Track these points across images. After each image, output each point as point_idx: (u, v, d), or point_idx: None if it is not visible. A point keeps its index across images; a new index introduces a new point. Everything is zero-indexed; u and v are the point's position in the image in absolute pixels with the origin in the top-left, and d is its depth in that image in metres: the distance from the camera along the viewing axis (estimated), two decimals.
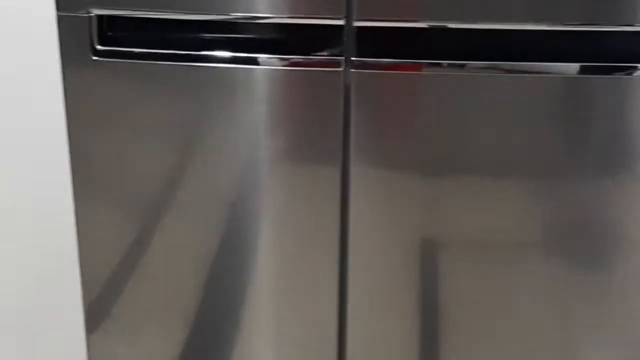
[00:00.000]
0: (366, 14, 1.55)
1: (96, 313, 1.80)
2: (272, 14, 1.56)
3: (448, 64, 1.58)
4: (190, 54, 1.61)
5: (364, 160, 1.64)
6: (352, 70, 1.59)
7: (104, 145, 1.68)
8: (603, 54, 1.59)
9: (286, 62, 1.60)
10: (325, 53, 1.59)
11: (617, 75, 1.58)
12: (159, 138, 1.68)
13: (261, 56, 1.61)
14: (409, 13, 1.55)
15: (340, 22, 1.55)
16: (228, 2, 1.57)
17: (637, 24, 1.54)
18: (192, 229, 1.73)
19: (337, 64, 1.59)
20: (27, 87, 1.71)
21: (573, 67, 1.58)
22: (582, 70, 1.58)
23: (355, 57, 1.58)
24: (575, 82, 1.59)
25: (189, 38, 1.62)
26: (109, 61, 1.61)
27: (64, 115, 1.65)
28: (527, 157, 1.64)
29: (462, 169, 1.66)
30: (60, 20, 1.59)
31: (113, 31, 1.62)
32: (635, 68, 1.58)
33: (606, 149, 1.63)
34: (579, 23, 1.55)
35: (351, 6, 1.54)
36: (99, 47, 1.61)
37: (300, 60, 1.60)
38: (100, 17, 1.59)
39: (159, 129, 1.68)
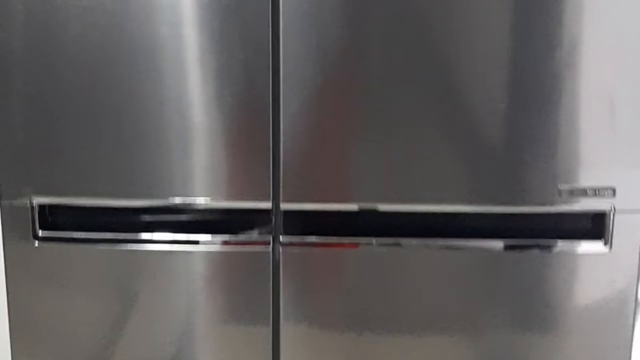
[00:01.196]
0: (291, 198, 1.66)
1: None
2: (205, 198, 1.67)
3: (376, 241, 1.70)
4: (127, 237, 1.71)
5: (294, 325, 1.74)
6: (281, 248, 1.69)
7: (44, 317, 1.75)
8: (525, 232, 1.72)
9: (219, 242, 1.70)
10: (255, 233, 1.69)
11: (537, 251, 1.71)
12: (99, 309, 1.76)
13: (194, 237, 1.71)
14: (335, 196, 1.67)
15: (268, 206, 1.66)
16: (161, 189, 1.67)
17: (554, 205, 1.67)
18: None
19: (266, 242, 1.69)
20: None
21: (498, 244, 1.71)
22: (506, 247, 1.71)
23: (283, 235, 1.69)
24: (500, 256, 1.72)
25: (126, 222, 1.72)
26: (50, 245, 1.69)
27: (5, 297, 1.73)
28: (454, 322, 1.76)
29: (390, 332, 1.76)
30: (3, 208, 1.67)
31: (54, 217, 1.70)
32: (553, 245, 1.71)
33: (525, 314, 1.75)
34: (501, 204, 1.68)
35: (278, 191, 1.65)
36: (40, 232, 1.69)
37: (232, 240, 1.70)
38: (41, 206, 1.68)
39: (99, 304, 1.76)
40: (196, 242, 1.70)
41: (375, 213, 1.68)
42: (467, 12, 1.60)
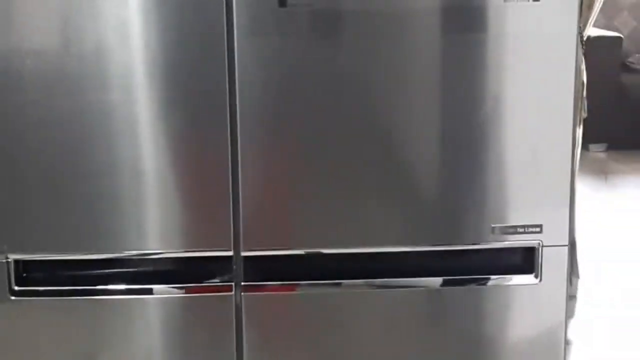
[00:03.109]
0: (251, 245, 1.80)
1: None
2: (165, 249, 1.81)
3: (324, 283, 1.85)
4: (94, 289, 1.83)
5: None
6: (243, 293, 1.83)
7: None
8: (461, 269, 1.88)
9: (181, 291, 1.83)
10: (217, 280, 1.83)
11: (473, 286, 1.88)
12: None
13: (156, 287, 1.85)
14: (286, 243, 1.82)
15: (229, 253, 1.80)
16: (125, 242, 1.81)
17: (488, 243, 1.84)
18: None
19: (228, 288, 1.82)
20: None
21: (436, 281, 1.87)
22: (444, 283, 1.87)
23: (244, 281, 1.83)
24: (438, 293, 1.88)
25: (93, 275, 1.84)
26: (25, 300, 1.80)
27: None
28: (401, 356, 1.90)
29: None
30: None
31: (27, 273, 1.82)
32: (488, 279, 1.87)
33: (466, 345, 1.90)
34: (438, 244, 1.85)
35: (239, 239, 1.79)
36: (16, 287, 1.80)
37: (194, 287, 1.83)
38: (16, 261, 1.80)
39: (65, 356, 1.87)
40: (153, 293, 1.83)
41: (320, 256, 1.82)
42: (402, 72, 1.79)
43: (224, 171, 1.77)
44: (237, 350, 1.85)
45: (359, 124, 1.80)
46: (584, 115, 3.45)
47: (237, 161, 1.76)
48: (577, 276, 3.41)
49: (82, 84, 1.75)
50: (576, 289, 3.45)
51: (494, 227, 1.83)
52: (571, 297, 3.43)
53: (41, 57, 1.75)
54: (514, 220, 1.83)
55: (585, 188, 4.86)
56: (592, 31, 5.20)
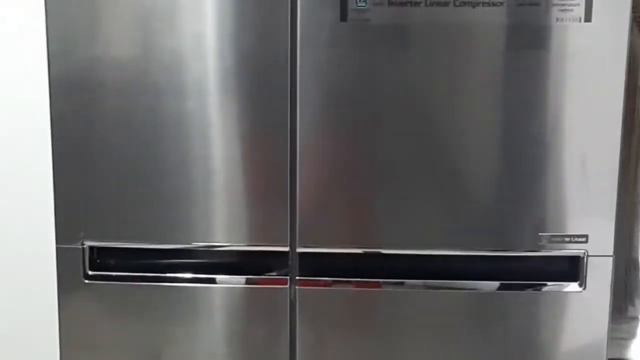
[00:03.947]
0: (307, 242, 1.92)
1: None
2: (229, 242, 1.94)
3: (383, 282, 1.96)
4: (162, 276, 1.98)
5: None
6: (297, 287, 1.95)
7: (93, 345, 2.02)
8: (519, 273, 1.97)
9: (242, 282, 1.96)
10: (274, 273, 1.96)
11: (529, 291, 1.96)
12: (140, 348, 2.02)
13: (220, 276, 1.98)
14: (340, 241, 1.93)
15: (286, 249, 1.92)
16: (193, 234, 1.95)
17: (541, 251, 1.93)
18: None
19: (284, 281, 1.95)
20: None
21: (494, 285, 1.96)
22: (501, 287, 1.96)
23: (299, 276, 1.95)
24: (495, 297, 1.97)
25: (162, 264, 1.99)
26: (97, 283, 1.96)
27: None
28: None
29: None
30: (59, 251, 1.95)
31: (100, 259, 1.98)
32: (544, 285, 1.96)
33: (521, 352, 1.99)
34: (490, 250, 1.94)
35: (295, 236, 1.91)
36: (90, 272, 1.96)
37: (254, 279, 1.96)
38: (91, 248, 1.95)
39: (140, 342, 2.02)
40: (217, 282, 1.96)
41: (379, 256, 1.93)
42: (461, 83, 1.88)
43: (284, 173, 1.89)
44: (290, 340, 1.96)
45: (417, 130, 1.89)
46: None
47: (295, 163, 1.88)
48: None
49: (160, 91, 1.88)
50: (638, 309, 3.48)
51: (542, 236, 1.90)
52: (633, 318, 3.47)
53: (122, 66, 1.89)
54: (561, 230, 1.90)
55: None
56: None
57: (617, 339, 3.35)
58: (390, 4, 1.80)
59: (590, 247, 1.91)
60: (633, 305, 3.50)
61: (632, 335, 3.38)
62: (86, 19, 1.88)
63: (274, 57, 1.85)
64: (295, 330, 1.96)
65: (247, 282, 1.96)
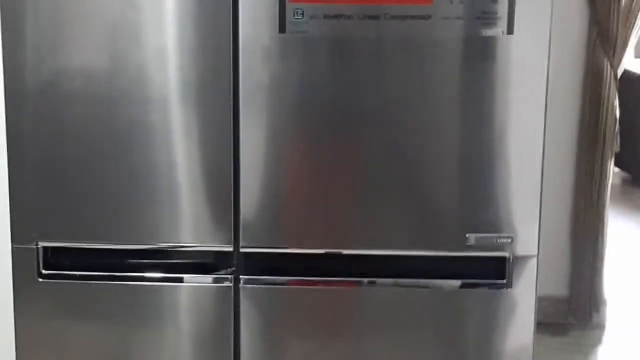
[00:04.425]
0: (250, 242, 2.04)
1: None
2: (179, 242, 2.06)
3: (336, 280, 2.08)
4: (118, 275, 2.09)
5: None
6: (241, 286, 2.06)
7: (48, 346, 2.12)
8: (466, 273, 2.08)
9: (192, 280, 2.07)
10: (220, 273, 2.07)
11: (475, 289, 2.08)
12: (94, 346, 2.12)
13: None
14: (283, 242, 2.06)
15: (230, 249, 2.04)
16: (142, 234, 2.06)
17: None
18: None
19: (228, 281, 2.06)
20: None
21: (455, 283, 2.07)
22: (450, 286, 2.07)
23: (244, 275, 2.06)
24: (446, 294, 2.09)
25: (114, 264, 2.10)
26: (52, 282, 2.07)
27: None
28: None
29: None
30: (15, 251, 2.06)
31: (56, 260, 2.09)
32: (489, 284, 2.07)
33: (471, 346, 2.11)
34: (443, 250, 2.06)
35: (238, 236, 2.03)
36: (44, 271, 2.07)
37: (200, 278, 2.07)
38: (45, 248, 2.06)
39: (94, 340, 2.12)
40: (169, 280, 2.07)
41: (328, 256, 2.06)
42: (397, 93, 2.01)
43: (228, 177, 2.01)
44: (235, 337, 2.08)
45: (361, 135, 2.03)
46: (617, 149, 3.62)
47: (238, 168, 2.00)
48: (605, 305, 3.56)
49: (124, 99, 2.01)
50: (604, 317, 3.60)
51: (469, 238, 2.02)
52: (598, 326, 3.59)
53: (88, 76, 2.02)
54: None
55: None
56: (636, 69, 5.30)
57: (583, 345, 3.48)
58: (325, 17, 1.93)
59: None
60: (598, 312, 3.63)
61: (598, 342, 3.50)
62: (52, 33, 2.00)
63: (222, 69, 1.98)
64: (239, 327, 2.06)
65: (191, 281, 2.06)
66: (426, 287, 2.07)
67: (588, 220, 3.60)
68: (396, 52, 1.97)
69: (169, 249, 2.07)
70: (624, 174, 5.90)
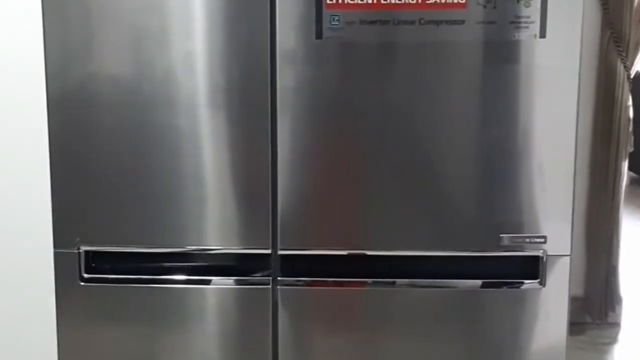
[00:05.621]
0: (288, 245, 2.07)
1: None
2: (219, 246, 2.09)
3: (372, 281, 2.11)
4: (154, 278, 2.12)
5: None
6: (279, 287, 2.09)
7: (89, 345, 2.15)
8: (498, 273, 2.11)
9: (229, 283, 2.11)
10: (257, 275, 2.10)
11: (508, 289, 2.11)
12: (133, 347, 2.16)
13: (207, 278, 2.12)
14: (329, 243, 2.09)
15: (267, 251, 2.07)
16: (182, 238, 2.10)
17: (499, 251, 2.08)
18: None
19: (266, 283, 2.09)
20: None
21: (477, 283, 2.11)
22: (483, 285, 2.11)
23: (281, 277, 2.09)
24: (478, 294, 2.12)
25: (154, 267, 2.13)
26: (93, 285, 2.10)
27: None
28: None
29: None
30: (57, 255, 2.09)
31: (95, 262, 2.12)
32: (521, 283, 2.10)
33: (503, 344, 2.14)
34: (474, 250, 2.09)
35: (276, 239, 2.06)
36: (85, 275, 2.10)
37: (237, 280, 2.11)
38: (86, 252, 2.10)
39: (133, 342, 2.16)
40: (208, 282, 2.11)
41: (363, 257, 2.09)
42: (436, 96, 2.04)
43: (264, 180, 2.04)
44: (273, 338, 2.11)
45: (395, 138, 2.05)
46: (631, 149, 3.66)
47: (276, 172, 2.03)
48: (620, 303, 3.60)
49: (152, 103, 2.04)
50: (619, 316, 3.64)
51: (503, 237, 2.05)
52: (613, 324, 3.63)
53: (116, 81, 2.05)
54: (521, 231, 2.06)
55: None
56: None
57: (599, 344, 3.51)
58: (361, 22, 1.96)
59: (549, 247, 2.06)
60: (613, 311, 3.67)
61: (614, 340, 3.54)
62: (82, 40, 2.04)
63: (255, 73, 2.01)
64: (277, 329, 2.10)
65: (233, 282, 2.10)
66: (456, 287, 2.11)
67: (602, 219, 3.63)
68: (431, 56, 2.00)
69: (194, 252, 2.10)
70: (632, 174, 5.92)
